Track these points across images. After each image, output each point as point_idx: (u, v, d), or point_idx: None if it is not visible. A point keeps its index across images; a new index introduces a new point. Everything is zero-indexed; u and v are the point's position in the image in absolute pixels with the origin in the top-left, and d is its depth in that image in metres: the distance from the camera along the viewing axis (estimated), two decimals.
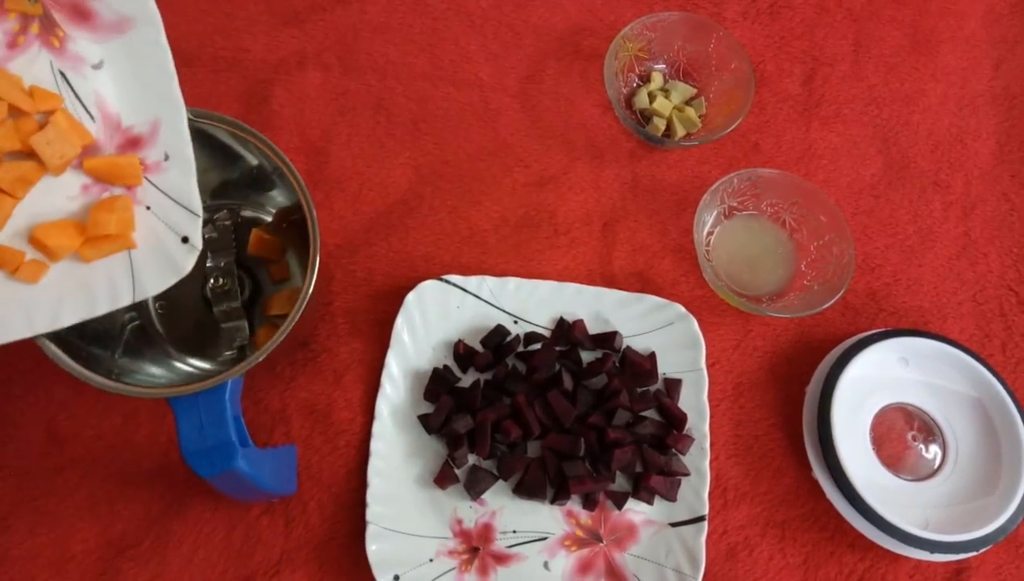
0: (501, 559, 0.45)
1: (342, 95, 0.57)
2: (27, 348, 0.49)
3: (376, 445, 0.46)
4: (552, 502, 0.46)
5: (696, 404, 0.48)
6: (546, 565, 0.44)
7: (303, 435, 0.47)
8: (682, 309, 0.49)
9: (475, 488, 0.45)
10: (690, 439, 0.46)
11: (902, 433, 0.48)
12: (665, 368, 0.49)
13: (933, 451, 0.48)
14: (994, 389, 0.48)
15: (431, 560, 0.44)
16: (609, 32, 0.56)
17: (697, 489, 0.46)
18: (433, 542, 0.44)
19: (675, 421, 0.47)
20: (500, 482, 0.46)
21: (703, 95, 0.58)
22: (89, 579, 0.44)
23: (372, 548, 0.43)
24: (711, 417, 0.49)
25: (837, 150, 0.57)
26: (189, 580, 0.44)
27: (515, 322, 0.50)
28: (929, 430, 0.49)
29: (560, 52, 0.59)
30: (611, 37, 0.55)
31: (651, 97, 0.57)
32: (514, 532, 0.45)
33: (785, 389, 0.50)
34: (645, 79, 0.58)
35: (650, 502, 0.46)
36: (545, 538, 0.45)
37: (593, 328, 0.49)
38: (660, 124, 0.56)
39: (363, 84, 0.57)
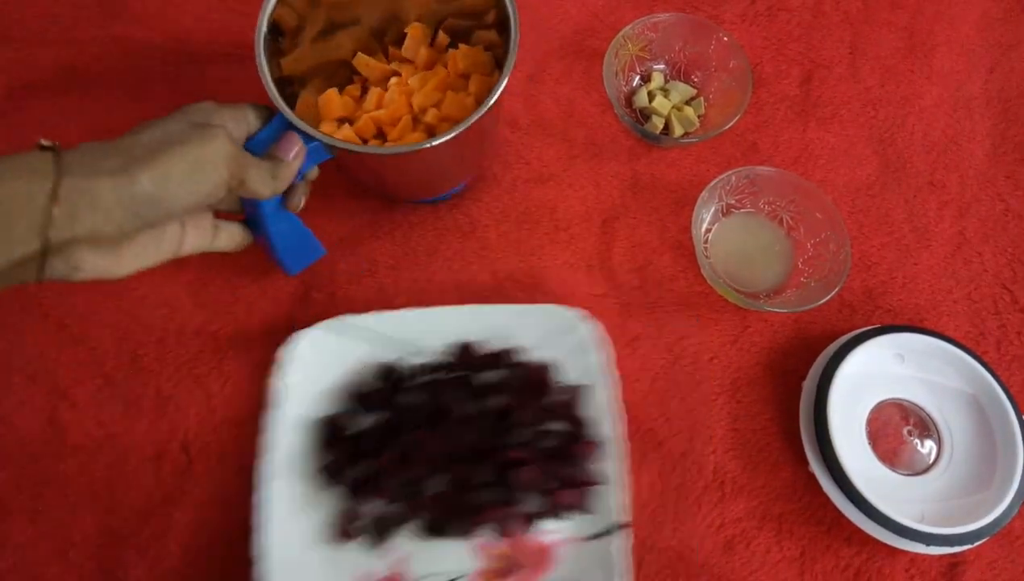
0: None
1: None
2: (28, 336, 0.49)
3: (264, 503, 0.41)
4: (464, 536, 0.43)
5: (604, 408, 0.45)
6: None
7: None
8: (580, 313, 0.47)
9: (380, 536, 0.43)
10: (593, 444, 0.44)
11: (898, 428, 0.49)
12: (572, 375, 0.47)
13: (928, 446, 0.49)
14: (989, 385, 0.48)
15: None
16: (610, 33, 0.56)
17: (614, 497, 0.43)
18: None
19: (578, 428, 0.45)
20: (407, 526, 0.43)
21: (702, 95, 0.58)
22: (89, 567, 0.44)
23: None
24: (710, 414, 0.49)
25: (834, 150, 0.58)
26: (188, 569, 0.44)
27: (413, 354, 0.47)
28: (924, 425, 0.49)
29: (561, 52, 0.60)
30: (611, 37, 0.55)
31: (651, 96, 0.57)
32: (427, 578, 0.43)
33: (782, 384, 0.50)
34: (646, 79, 0.59)
35: (564, 518, 0.43)
36: (461, 578, 0.43)
37: (497, 346, 0.47)
38: (658, 122, 0.56)
39: None
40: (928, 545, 0.44)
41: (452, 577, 0.43)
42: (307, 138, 0.41)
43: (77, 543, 0.44)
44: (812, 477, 0.47)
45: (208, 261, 0.50)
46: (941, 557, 0.46)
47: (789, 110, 0.59)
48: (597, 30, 0.60)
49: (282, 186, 0.41)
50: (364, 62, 0.51)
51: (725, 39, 0.56)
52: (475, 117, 0.42)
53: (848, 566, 0.46)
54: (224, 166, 0.37)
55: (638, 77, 0.59)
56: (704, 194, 0.51)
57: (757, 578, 0.46)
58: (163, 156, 0.34)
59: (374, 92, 0.50)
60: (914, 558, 0.46)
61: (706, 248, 0.53)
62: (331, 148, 0.42)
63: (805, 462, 0.47)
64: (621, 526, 0.42)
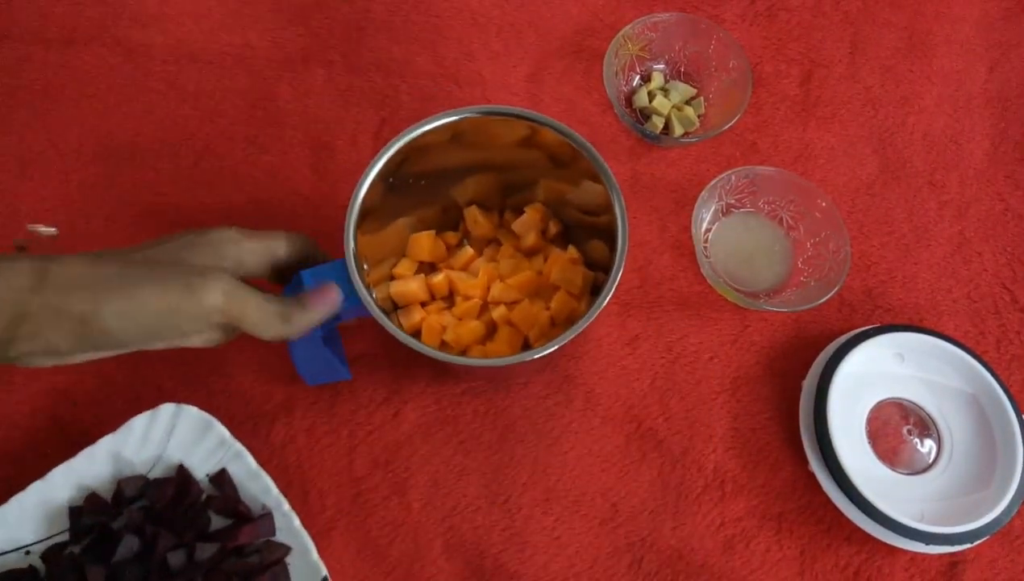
0: None
1: (347, 91, 0.57)
2: None
3: None
4: None
5: (250, 478, 0.43)
6: None
7: (304, 425, 0.48)
8: (172, 407, 0.44)
9: None
10: (256, 523, 0.41)
11: (898, 428, 0.49)
12: (205, 469, 0.44)
13: (928, 445, 0.49)
14: (989, 385, 0.48)
15: None
16: (610, 32, 0.56)
17: (305, 557, 0.41)
18: None
19: (239, 516, 0.42)
20: None
21: (702, 95, 0.58)
22: None
23: None
24: (710, 413, 0.49)
25: (834, 150, 0.58)
26: None
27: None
28: (924, 425, 0.49)
29: (561, 51, 0.60)
30: (611, 37, 0.56)
31: (651, 96, 0.58)
32: None
33: (782, 384, 0.51)
34: (646, 79, 0.59)
35: None
36: None
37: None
38: (658, 122, 0.56)
39: (367, 81, 0.58)
40: (928, 544, 0.44)
41: None
42: (354, 303, 0.39)
43: None
44: (812, 476, 0.47)
45: None
46: (941, 556, 0.47)
47: (789, 110, 0.59)
48: (597, 30, 0.61)
49: (295, 333, 0.37)
50: (474, 217, 0.49)
51: (725, 39, 0.56)
52: (555, 345, 0.38)
53: (848, 565, 0.46)
54: (206, 318, 0.34)
55: (638, 77, 0.59)
56: (704, 194, 0.52)
57: (757, 577, 0.46)
58: (137, 294, 0.32)
59: (465, 253, 0.49)
60: (914, 557, 0.46)
61: (706, 248, 0.53)
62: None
63: (805, 461, 0.47)
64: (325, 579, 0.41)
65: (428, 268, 0.50)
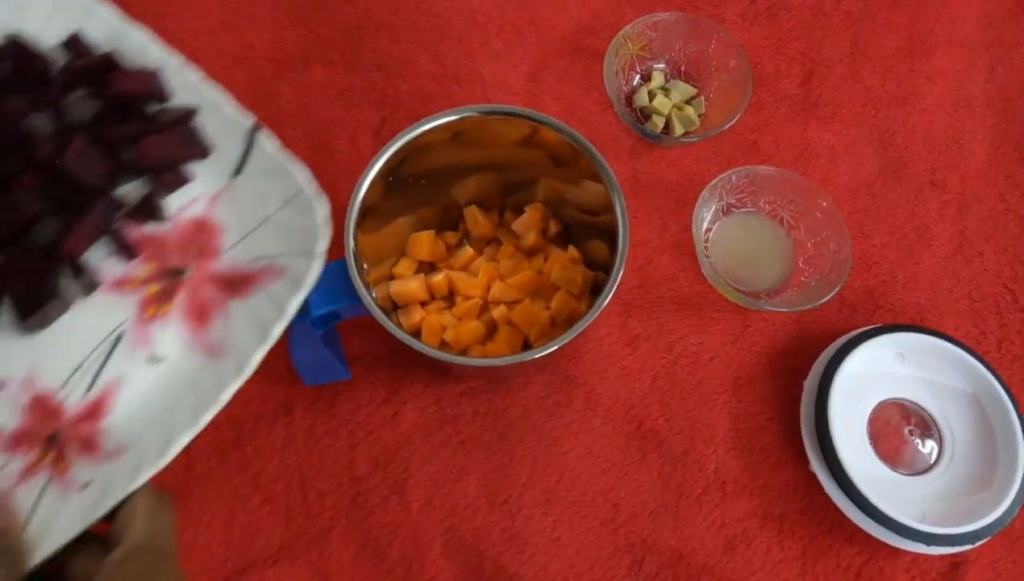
0: (94, 414, 0.31)
1: (346, 91, 0.57)
2: None
3: None
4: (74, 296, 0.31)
5: (119, 39, 0.34)
6: (154, 359, 0.31)
7: (304, 425, 0.48)
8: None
9: None
10: (135, 74, 0.33)
11: (899, 428, 0.49)
12: (49, 35, 0.34)
13: (929, 446, 0.48)
14: (990, 385, 0.48)
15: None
16: (610, 32, 0.56)
17: (218, 113, 0.34)
18: None
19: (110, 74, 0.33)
20: None
21: (703, 95, 0.58)
22: None
23: None
24: (711, 413, 0.49)
25: (834, 149, 0.58)
26: (189, 568, 0.44)
27: None
28: (926, 425, 0.49)
29: (562, 51, 0.60)
30: (612, 37, 0.55)
31: (651, 96, 0.57)
32: (78, 369, 0.31)
33: (783, 384, 0.50)
34: (646, 78, 0.59)
35: (174, 177, 0.33)
36: (120, 335, 0.31)
37: None
38: (659, 121, 0.56)
39: (367, 81, 0.58)
40: (929, 545, 0.44)
41: (109, 344, 0.31)
42: (354, 302, 0.38)
43: None
44: (813, 477, 0.47)
45: None
46: (942, 557, 0.46)
47: (789, 109, 0.59)
48: (597, 29, 0.60)
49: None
50: (474, 217, 0.49)
51: (725, 38, 0.56)
52: (555, 345, 0.38)
53: (849, 566, 0.46)
54: None
55: (638, 76, 0.59)
56: (704, 193, 0.51)
57: (758, 578, 0.46)
58: None
59: (465, 253, 0.49)
60: (915, 558, 0.46)
61: (706, 247, 0.53)
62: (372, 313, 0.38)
63: (806, 462, 0.47)
64: (255, 127, 0.34)
65: (428, 268, 0.49)
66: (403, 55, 0.58)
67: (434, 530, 0.46)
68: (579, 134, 0.42)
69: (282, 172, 0.34)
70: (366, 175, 0.41)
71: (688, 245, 0.53)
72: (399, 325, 0.46)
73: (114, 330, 0.31)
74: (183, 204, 0.33)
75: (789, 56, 0.61)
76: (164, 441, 0.30)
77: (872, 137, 0.59)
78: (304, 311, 0.39)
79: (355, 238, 0.40)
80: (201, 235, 0.33)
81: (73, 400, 0.31)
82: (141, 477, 0.29)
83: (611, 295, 0.39)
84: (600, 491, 0.47)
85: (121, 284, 0.32)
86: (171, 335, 0.32)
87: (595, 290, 0.47)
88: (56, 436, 0.30)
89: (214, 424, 0.47)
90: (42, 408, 0.31)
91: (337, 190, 0.54)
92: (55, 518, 0.29)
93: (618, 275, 0.39)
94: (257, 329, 0.31)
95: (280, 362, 0.48)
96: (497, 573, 0.45)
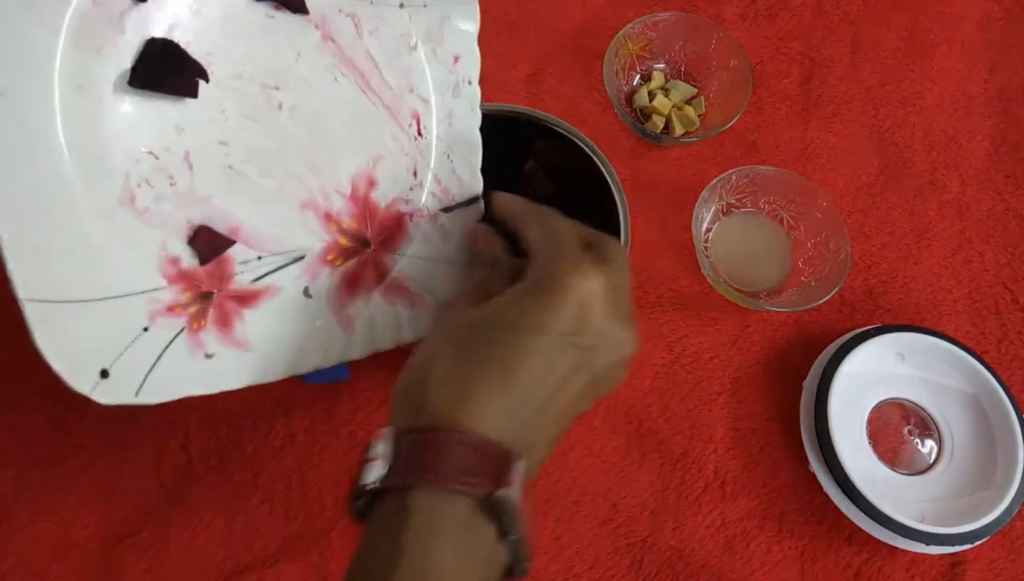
0: (246, 299, 0.32)
1: None
2: (28, 334, 0.49)
3: None
4: None
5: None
6: (307, 291, 0.34)
7: (304, 425, 0.48)
8: None
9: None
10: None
11: (898, 428, 0.49)
12: None
13: (929, 446, 0.49)
14: (989, 385, 0.48)
15: (146, 329, 0.28)
16: (610, 32, 0.56)
17: (469, 162, 0.37)
18: (140, 301, 0.28)
19: None
20: (226, 173, 0.31)
21: (703, 95, 0.58)
22: (90, 566, 0.44)
23: (44, 339, 0.26)
24: (710, 413, 0.49)
25: (834, 150, 0.58)
26: (189, 568, 0.44)
27: None
28: (925, 425, 0.49)
29: (562, 51, 0.60)
30: (612, 37, 0.55)
31: (651, 96, 0.57)
32: (259, 258, 0.33)
33: (783, 384, 0.50)
34: (646, 78, 0.59)
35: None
36: (302, 257, 0.34)
37: None
38: (659, 121, 0.56)
39: None
40: (928, 545, 0.44)
41: (292, 257, 0.34)
42: None
43: (78, 542, 0.44)
44: (812, 477, 0.47)
45: None
46: (941, 557, 0.46)
47: (789, 109, 0.59)
48: (597, 29, 0.60)
49: None
50: None
51: (725, 38, 0.56)
52: None
53: (848, 566, 0.46)
54: None
55: (638, 76, 0.59)
56: (704, 193, 0.51)
57: (757, 578, 0.46)
58: None
59: None
60: (915, 558, 0.46)
61: (706, 247, 0.53)
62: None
63: (805, 462, 0.47)
64: (478, 198, 0.37)
65: None
66: None
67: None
68: (582, 133, 0.42)
69: (461, 233, 0.39)
70: None
71: (688, 245, 0.53)
72: None
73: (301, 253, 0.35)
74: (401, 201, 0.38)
75: (789, 56, 0.61)
76: (277, 366, 0.33)
77: (872, 137, 0.59)
78: None
79: None
80: (395, 229, 0.37)
81: (243, 278, 0.33)
82: (244, 380, 0.31)
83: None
84: (600, 491, 0.47)
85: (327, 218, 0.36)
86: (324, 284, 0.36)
87: None
88: (210, 297, 0.32)
89: (213, 423, 0.47)
90: (219, 266, 0.32)
91: None
92: (173, 370, 0.30)
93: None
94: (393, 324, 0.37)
95: None
96: None
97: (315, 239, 0.34)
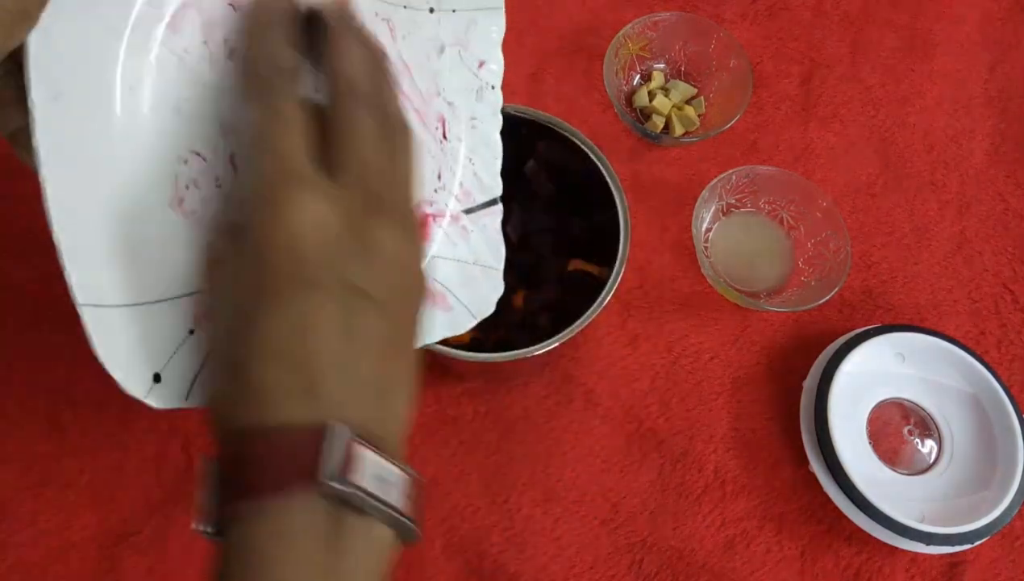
0: None
1: None
2: (28, 335, 0.49)
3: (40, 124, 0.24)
4: None
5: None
6: None
7: None
8: None
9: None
10: None
11: (898, 428, 0.49)
12: None
13: (929, 446, 0.49)
14: (990, 385, 0.48)
15: (191, 331, 0.28)
16: (610, 32, 0.56)
17: (490, 165, 0.37)
18: (187, 303, 0.28)
19: None
20: None
21: (703, 95, 0.58)
22: (89, 567, 0.44)
23: (101, 344, 0.26)
24: (710, 413, 0.49)
25: (834, 150, 0.58)
26: (188, 568, 0.44)
27: None
28: (925, 425, 0.49)
29: (562, 51, 0.60)
30: (612, 37, 0.55)
31: (651, 96, 0.57)
32: None
33: (783, 384, 0.50)
34: (646, 78, 0.59)
35: None
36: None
37: None
38: (659, 121, 0.56)
39: None
40: (928, 545, 0.44)
41: None
42: None
43: (77, 542, 0.44)
44: (812, 477, 0.47)
45: None
46: (941, 557, 0.46)
47: (789, 109, 0.59)
48: (597, 29, 0.60)
49: None
50: None
51: (725, 38, 0.56)
52: (555, 343, 0.40)
53: (848, 566, 0.46)
54: None
55: (638, 76, 0.59)
56: (704, 193, 0.51)
57: (757, 578, 0.46)
58: None
59: None
60: (914, 558, 0.46)
61: (706, 247, 0.53)
62: None
63: (805, 462, 0.47)
64: (497, 200, 0.37)
65: None
66: None
67: (434, 530, 0.46)
68: (582, 133, 0.42)
69: (484, 234, 0.38)
70: None
71: (688, 245, 0.53)
72: None
73: None
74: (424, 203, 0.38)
75: (789, 56, 0.61)
76: None
77: (872, 137, 0.59)
78: None
79: None
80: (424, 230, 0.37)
81: None
82: None
83: (610, 295, 0.39)
84: (600, 491, 0.47)
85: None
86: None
87: (595, 290, 0.47)
88: None
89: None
90: None
91: None
92: None
93: (618, 275, 0.39)
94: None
95: None
96: (497, 573, 0.45)
97: None
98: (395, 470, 0.25)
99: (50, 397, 0.48)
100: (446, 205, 0.37)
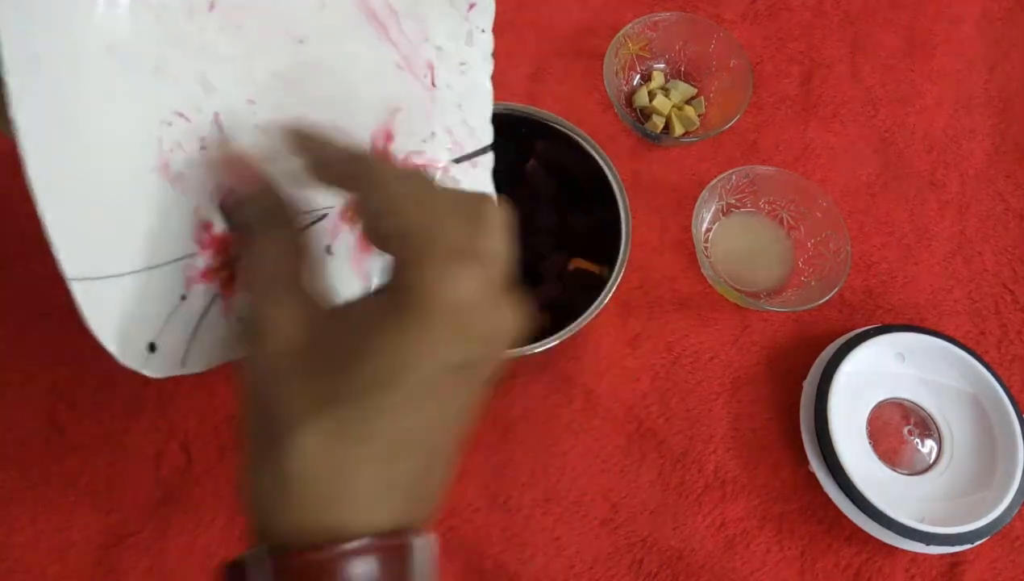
0: None
1: None
2: (27, 335, 0.49)
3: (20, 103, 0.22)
4: None
5: None
6: (329, 250, 0.33)
7: None
8: None
9: None
10: None
11: (898, 428, 0.49)
12: None
13: (929, 446, 0.49)
14: (989, 385, 0.48)
15: (183, 297, 0.28)
16: (610, 32, 0.56)
17: (481, 112, 0.36)
18: (177, 269, 0.28)
19: None
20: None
21: (703, 95, 0.58)
22: (89, 567, 0.44)
23: (93, 318, 0.25)
24: (710, 413, 0.49)
25: (834, 150, 0.58)
26: (188, 568, 0.44)
27: None
28: (925, 425, 0.49)
29: (562, 51, 0.60)
30: (612, 37, 0.55)
31: (651, 96, 0.57)
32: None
33: (783, 384, 0.50)
34: (646, 78, 0.59)
35: None
36: (325, 215, 0.33)
37: None
38: (659, 121, 0.56)
39: None
40: (928, 545, 0.44)
41: (316, 215, 0.32)
42: None
43: (77, 542, 0.44)
44: (812, 477, 0.47)
45: None
46: (941, 557, 0.46)
47: (790, 109, 0.59)
48: (597, 29, 0.60)
49: None
50: None
51: (726, 38, 0.56)
52: (554, 341, 0.39)
53: (848, 566, 0.46)
54: None
55: (638, 76, 0.59)
56: (704, 193, 0.51)
57: (757, 578, 0.46)
58: None
59: None
60: (914, 558, 0.46)
61: (706, 247, 0.53)
62: None
63: (805, 462, 0.47)
64: (488, 148, 0.36)
65: None
66: None
67: (434, 530, 0.46)
68: (582, 131, 0.42)
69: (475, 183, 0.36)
70: None
71: (688, 245, 0.53)
72: None
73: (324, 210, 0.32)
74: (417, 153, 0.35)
75: (789, 56, 0.61)
76: None
77: (872, 137, 0.59)
78: None
79: None
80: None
81: None
82: None
83: (610, 295, 0.39)
84: (600, 491, 0.47)
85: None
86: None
87: (595, 289, 0.47)
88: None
89: (213, 423, 0.47)
90: None
91: None
92: (211, 336, 0.29)
93: (618, 275, 0.39)
94: None
95: None
96: (497, 573, 0.45)
97: (337, 197, 0.33)
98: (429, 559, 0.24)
99: (50, 397, 0.48)
100: (436, 155, 0.36)
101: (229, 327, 0.30)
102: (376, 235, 0.24)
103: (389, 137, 0.35)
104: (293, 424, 0.22)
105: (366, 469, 0.22)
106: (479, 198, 0.24)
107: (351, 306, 0.24)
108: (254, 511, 0.23)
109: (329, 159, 0.25)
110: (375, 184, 0.24)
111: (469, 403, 0.25)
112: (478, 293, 0.22)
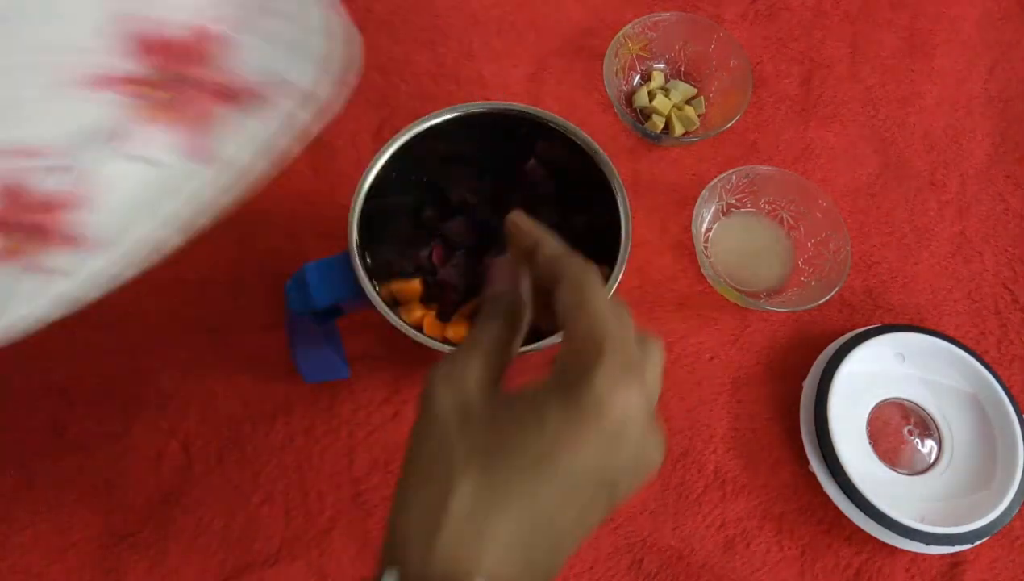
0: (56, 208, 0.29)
1: None
2: (30, 334, 0.49)
3: None
4: None
5: None
6: (147, 162, 0.30)
7: (304, 425, 0.48)
8: None
9: None
10: None
11: (898, 428, 0.49)
12: None
13: (929, 446, 0.49)
14: (989, 385, 0.48)
15: None
16: (610, 32, 0.56)
17: None
18: None
19: None
20: None
21: (703, 95, 0.58)
22: (89, 567, 0.44)
23: None
24: (710, 413, 0.49)
25: (834, 150, 0.58)
26: (188, 568, 0.44)
27: None
28: (925, 425, 0.49)
29: (562, 51, 0.60)
30: (612, 37, 0.55)
31: (651, 96, 0.57)
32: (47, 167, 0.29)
33: (783, 384, 0.50)
34: (646, 78, 0.59)
35: None
36: (113, 135, 0.29)
37: None
38: (659, 121, 0.56)
39: (366, 81, 0.58)
40: (928, 545, 0.44)
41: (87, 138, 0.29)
42: (357, 295, 0.38)
43: (77, 542, 0.44)
44: (812, 477, 0.47)
45: (211, 260, 0.50)
46: (941, 557, 0.46)
47: (789, 109, 0.59)
48: (597, 29, 0.60)
49: None
50: None
51: (726, 38, 0.56)
52: (556, 339, 0.38)
53: (848, 566, 0.46)
54: None
55: (638, 76, 0.59)
56: (704, 193, 0.51)
57: (758, 578, 0.46)
58: None
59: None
60: (914, 558, 0.46)
61: (706, 247, 0.53)
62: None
63: (805, 462, 0.47)
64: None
65: None
66: (403, 55, 0.58)
67: None
68: (582, 132, 0.42)
69: None
70: (370, 170, 0.41)
71: (688, 245, 0.53)
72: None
73: (107, 128, 0.29)
74: (191, 10, 0.31)
75: (789, 56, 0.61)
76: (148, 241, 0.29)
77: (872, 137, 0.59)
78: (306, 305, 0.39)
79: (358, 230, 0.40)
80: (204, 43, 0.30)
81: (50, 188, 0.28)
82: (127, 273, 0.28)
83: (611, 295, 0.39)
84: None
85: (121, 82, 0.29)
86: (166, 140, 0.30)
87: None
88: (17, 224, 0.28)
89: (213, 423, 0.47)
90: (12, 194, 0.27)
91: (336, 190, 0.55)
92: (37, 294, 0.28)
93: (618, 275, 0.39)
94: (259, 142, 0.31)
95: (279, 362, 0.48)
96: None
97: (119, 109, 0.29)
98: None
99: (50, 397, 0.48)
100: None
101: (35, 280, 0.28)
102: (568, 323, 0.26)
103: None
104: (467, 472, 0.24)
105: (506, 528, 0.24)
106: (649, 332, 0.28)
107: (528, 385, 0.26)
108: (398, 536, 0.25)
109: (546, 250, 0.28)
110: (583, 285, 0.26)
111: (596, 520, 0.26)
112: (641, 412, 0.26)
